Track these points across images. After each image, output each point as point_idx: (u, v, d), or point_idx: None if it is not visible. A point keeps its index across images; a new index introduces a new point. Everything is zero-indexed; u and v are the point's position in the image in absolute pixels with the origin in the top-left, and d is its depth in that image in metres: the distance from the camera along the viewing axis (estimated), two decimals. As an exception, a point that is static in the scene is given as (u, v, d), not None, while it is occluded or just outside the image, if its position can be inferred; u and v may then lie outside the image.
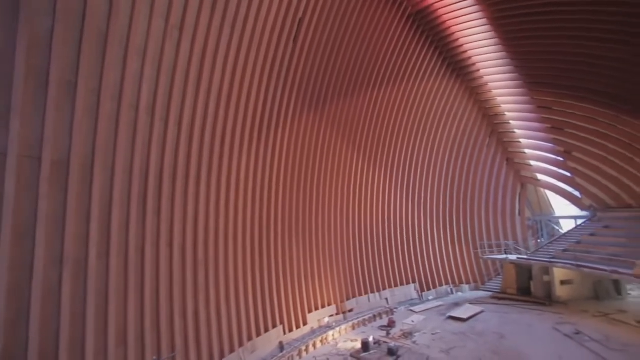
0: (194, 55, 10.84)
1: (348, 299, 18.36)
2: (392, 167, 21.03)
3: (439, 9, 18.35)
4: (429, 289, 21.44)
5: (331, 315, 17.24)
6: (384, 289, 19.94)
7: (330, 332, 15.66)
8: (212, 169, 12.26)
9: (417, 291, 21.14)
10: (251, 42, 12.98)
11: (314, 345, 14.59)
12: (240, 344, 12.78)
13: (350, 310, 18.15)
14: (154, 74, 9.70)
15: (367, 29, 17.50)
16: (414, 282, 21.11)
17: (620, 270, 14.10)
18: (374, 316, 17.74)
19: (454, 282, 22.28)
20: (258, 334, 13.72)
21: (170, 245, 10.51)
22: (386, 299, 19.82)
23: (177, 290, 10.53)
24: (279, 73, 14.66)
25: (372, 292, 19.46)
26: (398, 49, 18.91)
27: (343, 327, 16.32)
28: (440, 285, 21.94)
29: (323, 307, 17.15)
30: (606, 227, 18.85)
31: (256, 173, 14.47)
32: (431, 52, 19.85)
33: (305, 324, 16.00)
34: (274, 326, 14.58)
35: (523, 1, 14.79)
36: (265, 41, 13.65)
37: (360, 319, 17.21)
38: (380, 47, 18.36)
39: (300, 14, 14.75)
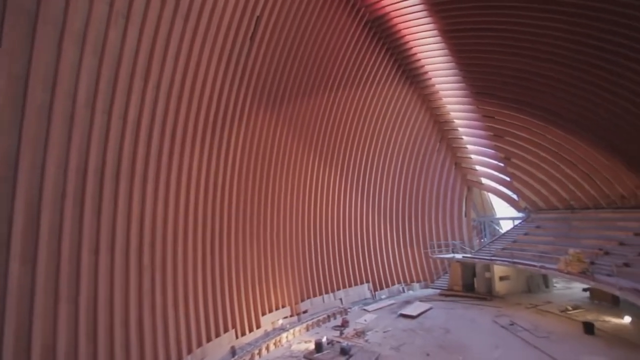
0: (142, 46, 10.19)
1: (302, 300, 18.32)
2: (347, 169, 21.39)
3: (395, 17, 19.03)
4: (382, 288, 22.06)
5: (285, 317, 17.08)
6: (339, 289, 20.18)
7: (284, 334, 15.51)
8: (160, 167, 11.59)
9: (371, 291, 21.67)
10: (206, 35, 12.50)
11: (267, 349, 14.36)
12: (189, 351, 12.20)
13: (305, 312, 18.12)
14: (95, 63, 8.96)
15: (326, 32, 17.65)
16: (367, 282, 21.61)
17: (547, 265, 15.58)
18: (328, 316, 17.87)
19: (405, 281, 23.14)
20: (208, 340, 13.20)
21: (112, 250, 9.75)
22: (340, 299, 20.07)
23: (118, 298, 9.78)
24: (234, 70, 14.27)
25: (327, 292, 19.60)
26: (355, 53, 19.30)
27: (297, 328, 16.24)
28: (393, 284, 22.68)
29: (277, 309, 16.94)
30: (538, 227, 20.71)
31: (209, 172, 13.94)
32: (387, 58, 20.50)
33: (258, 326, 15.69)
34: (226, 330, 14.11)
35: (471, 17, 15.79)
36: (221, 36, 13.22)
37: (315, 320, 17.24)
38: (337, 51, 18.61)
39: (258, 12, 14.49)
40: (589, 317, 14.46)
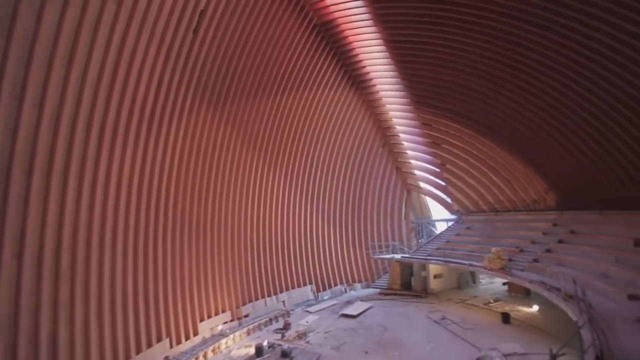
0: (65, 27, 9.18)
1: (244, 304, 17.86)
2: (292, 171, 21.37)
3: (342, 24, 19.49)
4: (324, 289, 22.32)
5: (225, 322, 16.50)
6: (282, 291, 20.02)
7: (224, 340, 14.96)
8: (85, 164, 10.54)
9: (314, 292, 21.82)
10: (143, 23, 11.68)
11: (205, 356, 13.74)
12: (115, 365, 11.22)
13: (246, 316, 17.68)
14: (1, 42, 7.86)
15: (273, 32, 17.49)
16: (310, 283, 21.73)
17: (475, 263, 17.02)
18: (270, 319, 17.62)
19: (347, 282, 23.68)
20: (138, 351, 12.25)
21: (19, 255, 8.59)
22: (283, 301, 19.92)
23: (25, 310, 8.62)
24: (175, 63, 13.52)
25: (269, 295, 19.34)
26: (302, 56, 19.39)
27: (237, 333, 15.77)
28: (336, 285, 23.08)
29: (217, 314, 16.30)
30: (468, 228, 22.53)
31: (143, 170, 13.00)
32: (333, 63, 20.90)
33: (196, 334, 14.96)
34: (159, 340, 13.23)
35: (411, 30, 16.73)
36: (161, 26, 12.45)
37: (256, 324, 16.90)
38: (285, 53, 18.54)
39: (202, 5, 13.89)
40: (507, 308, 16.03)
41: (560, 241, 15.71)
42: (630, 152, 12.88)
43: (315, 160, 22.43)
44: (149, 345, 12.75)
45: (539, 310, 15.21)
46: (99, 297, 10.96)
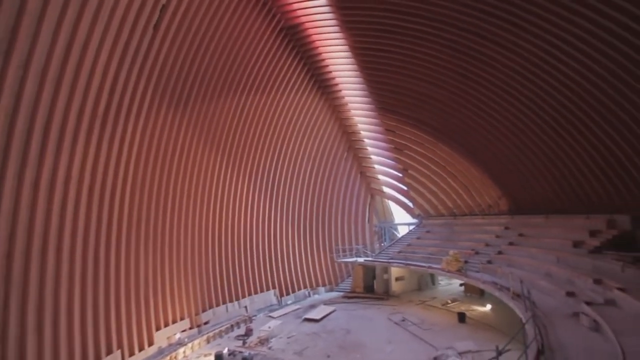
0: (3, 12, 8.45)
1: (204, 310, 17.27)
2: (256, 174, 21.07)
3: (310, 28, 19.61)
4: (288, 294, 22.12)
5: (183, 331, 15.85)
6: (244, 296, 19.60)
7: (181, 349, 14.37)
8: (27, 161, 9.74)
9: (277, 296, 21.57)
10: (98, 13, 11.00)
11: (160, 367, 13.10)
12: (58, 381, 10.37)
13: (206, 323, 17.10)
14: None
15: (240, 32, 17.22)
16: (274, 287, 21.47)
17: (434, 265, 17.67)
18: (232, 326, 17.17)
19: (311, 285, 23.65)
20: (85, 365, 11.42)
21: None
22: (246, 307, 19.49)
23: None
24: (133, 59, 12.89)
25: (231, 301, 18.86)
26: (269, 58, 19.25)
27: (196, 341, 15.20)
28: (299, 289, 22.96)
29: (174, 322, 15.63)
30: (428, 231, 23.36)
31: (95, 171, 12.24)
32: (300, 67, 20.92)
33: (151, 344, 14.23)
34: (109, 352, 12.43)
35: (376, 38, 17.16)
36: (118, 17, 11.81)
37: (217, 331, 16.39)
38: (251, 54, 18.32)
39: (163, 0, 13.39)
40: (463, 307, 16.75)
41: (510, 243, 16.70)
42: (570, 162, 13.99)
43: (280, 163, 22.27)
44: (98, 358, 11.93)
45: (492, 309, 16.04)
46: (38, 309, 10.09)
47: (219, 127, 18.24)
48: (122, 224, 13.54)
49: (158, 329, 14.78)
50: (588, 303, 8.39)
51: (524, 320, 7.77)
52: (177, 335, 15.38)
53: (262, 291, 20.78)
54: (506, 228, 18.54)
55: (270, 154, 21.61)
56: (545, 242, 14.91)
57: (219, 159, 18.59)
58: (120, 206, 13.43)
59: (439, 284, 22.79)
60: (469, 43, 13.79)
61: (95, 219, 12.35)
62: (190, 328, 16.23)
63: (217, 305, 18.04)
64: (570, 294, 9.77)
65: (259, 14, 17.73)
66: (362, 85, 21.21)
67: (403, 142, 22.33)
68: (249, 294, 20.00)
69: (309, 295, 23.05)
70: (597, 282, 9.57)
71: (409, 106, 19.66)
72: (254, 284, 20.40)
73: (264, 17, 18.02)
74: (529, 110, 13.99)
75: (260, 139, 20.71)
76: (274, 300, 21.31)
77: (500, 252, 16.44)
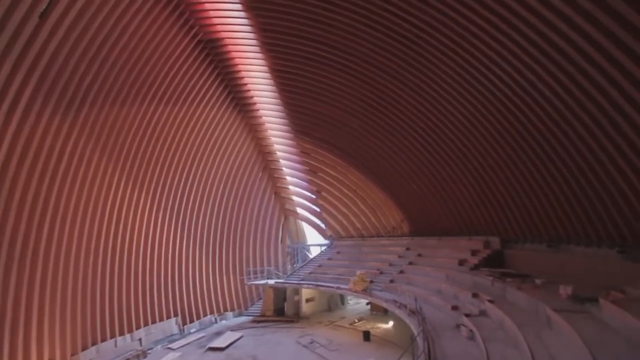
0: None
1: (85, 348, 14.79)
2: (162, 190, 19.41)
3: (230, 44, 19.35)
4: (192, 321, 20.39)
5: (54, 375, 13.25)
6: (138, 327, 17.41)
7: (48, 398, 11.93)
8: None
9: (179, 325, 19.69)
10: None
11: None
12: None
13: (87, 362, 14.62)
14: None
15: (152, 39, 16.05)
16: (175, 315, 19.58)
17: (342, 286, 18.25)
18: (119, 364, 15.00)
19: (218, 311, 22.23)
20: None
21: None
22: (140, 339, 17.30)
23: None
24: (8, 47, 10.95)
25: (122, 334, 16.57)
26: (184, 69, 18.29)
27: (70, 386, 12.82)
28: (205, 315, 21.38)
29: (41, 365, 12.97)
30: (338, 252, 24.18)
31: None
32: (217, 82, 20.31)
33: (4, 395, 11.50)
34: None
35: (293, 62, 17.75)
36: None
37: (99, 371, 14.11)
38: (164, 62, 17.18)
39: (56, -12, 11.85)
40: (368, 326, 17.51)
41: (410, 263, 18.26)
42: (457, 191, 16.11)
43: (189, 180, 20.89)
44: None
45: (394, 325, 17.09)
46: None
47: (120, 135, 16.46)
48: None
49: (17, 375, 12.08)
50: (467, 315, 9.54)
51: (415, 334, 8.44)
52: (45, 381, 12.78)
53: (161, 320, 18.75)
54: (407, 249, 20.24)
55: (179, 169, 20.18)
56: (438, 261, 16.69)
57: (117, 170, 16.65)
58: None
59: (348, 303, 23.53)
60: (377, 78, 15.20)
61: None
62: (64, 371, 13.67)
63: (104, 340, 15.64)
64: (454, 308, 10.99)
65: (175, 23, 16.87)
66: (280, 107, 21.53)
67: (317, 164, 23.10)
68: (145, 324, 17.85)
69: (216, 322, 21.60)
70: (475, 295, 11.00)
71: (323, 130, 20.56)
72: (152, 312, 18.31)
73: (180, 27, 17.20)
74: (426, 144, 15.83)
75: (168, 152, 19.24)
76: (175, 330, 19.38)
77: (401, 272, 17.80)
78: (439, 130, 14.69)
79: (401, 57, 13.54)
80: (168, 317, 19.14)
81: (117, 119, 16.04)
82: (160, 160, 18.95)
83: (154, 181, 18.88)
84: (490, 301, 9.62)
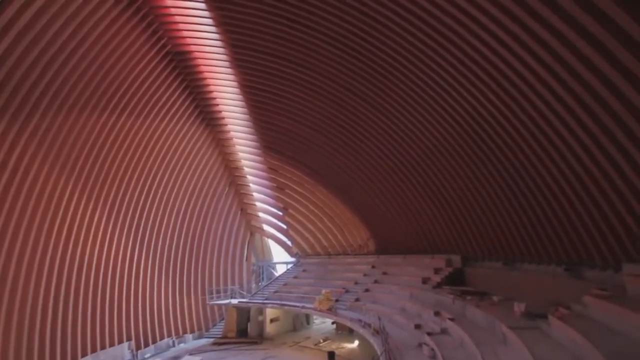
0: None
1: (18, 379, 13.31)
2: (121, 205, 18.39)
3: (199, 58, 19.12)
4: (147, 346, 19.13)
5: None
6: (85, 354, 16.02)
7: None
8: None
9: (132, 350, 18.36)
10: None
11: None
12: None
13: (21, 396, 13.15)
14: None
15: (116, 47, 15.41)
16: (128, 339, 18.26)
17: (307, 305, 17.96)
18: (61, 395, 13.63)
19: (177, 333, 21.05)
20: None
21: None
22: (86, 367, 15.90)
23: None
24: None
25: (65, 362, 15.13)
26: (150, 80, 17.74)
27: None
28: (162, 338, 20.16)
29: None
30: (304, 270, 23.89)
31: None
32: (184, 95, 19.84)
33: None
34: None
35: (263, 79, 17.83)
36: None
37: (36, 405, 12.72)
38: (128, 72, 16.54)
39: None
40: (333, 346, 17.23)
41: (376, 281, 18.36)
42: (420, 209, 16.58)
43: (150, 194, 19.97)
44: None
45: (359, 345, 16.93)
46: None
47: (75, 147, 15.58)
48: None
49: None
50: (429, 333, 9.67)
51: (378, 353, 8.40)
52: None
53: (112, 345, 17.41)
54: (373, 267, 20.37)
55: (141, 183, 19.28)
56: (402, 279, 16.91)
57: (70, 184, 15.66)
58: None
59: (314, 322, 23.14)
60: (345, 98, 15.58)
61: None
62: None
63: (41, 369, 14.19)
64: (417, 326, 11.12)
65: (143, 33, 16.40)
66: (248, 123, 21.39)
67: (285, 181, 23.01)
68: (93, 350, 16.48)
69: (173, 345, 20.41)
70: (437, 314, 11.20)
71: (292, 147, 20.62)
72: (102, 336, 16.96)
73: (148, 38, 16.75)
74: (392, 164, 16.25)
75: (128, 165, 18.36)
76: (128, 355, 18.08)
77: (367, 290, 17.84)
78: (404, 151, 15.18)
79: (367, 78, 14.01)
80: (120, 342, 17.78)
81: (73, 129, 15.17)
82: (120, 173, 18.03)
83: (112, 195, 17.87)
84: (451, 319, 9.83)
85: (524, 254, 12.11)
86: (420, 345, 9.41)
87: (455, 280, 14.55)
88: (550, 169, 9.49)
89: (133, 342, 18.46)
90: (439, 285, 14.34)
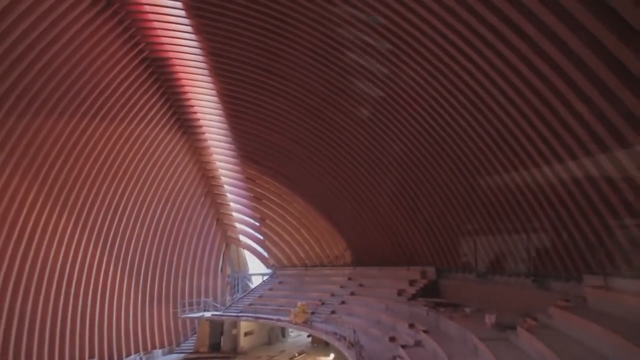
0: None
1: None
2: (88, 212, 17.61)
3: (177, 65, 18.82)
4: (111, 363, 18.10)
5: None
6: (42, 374, 14.97)
7: None
8: None
9: (95, 368, 17.34)
10: None
11: None
12: None
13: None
14: None
15: (89, 51, 14.95)
16: (91, 357, 17.25)
17: (282, 318, 17.63)
18: (12, 419, 12.62)
19: (145, 349, 20.10)
20: None
21: None
22: (43, 387, 14.85)
23: None
24: None
25: (19, 382, 14.09)
26: (125, 85, 17.26)
27: None
28: (128, 354, 19.20)
29: None
30: (280, 282, 23.53)
31: None
32: (161, 102, 19.39)
33: None
34: None
35: (244, 89, 17.74)
36: None
37: None
38: (102, 77, 16.03)
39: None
40: (309, 359, 16.95)
41: (352, 293, 18.28)
42: (396, 221, 16.78)
43: (122, 202, 19.22)
44: None
45: (335, 358, 16.73)
46: None
47: (43, 148, 15.00)
48: None
49: None
50: (403, 346, 9.68)
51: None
52: None
53: (72, 363, 16.36)
54: (349, 278, 20.29)
55: (112, 189, 18.55)
56: (378, 291, 16.93)
57: (34, 189, 14.88)
58: None
59: (290, 335, 22.70)
60: (321, 108, 15.72)
61: None
62: None
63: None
64: (392, 339, 11.12)
65: (119, 37, 16.01)
66: (226, 131, 21.15)
67: (262, 191, 22.80)
68: (51, 369, 15.42)
69: (141, 362, 19.42)
70: (411, 326, 11.24)
71: (269, 157, 20.51)
72: (61, 354, 15.92)
73: (124, 42, 16.36)
74: (367, 174, 16.44)
75: (99, 171, 17.67)
76: (89, 374, 17.02)
77: (343, 302, 17.72)
78: (379, 161, 15.41)
79: (341, 88, 14.24)
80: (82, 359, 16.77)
81: (39, 132, 14.50)
82: (90, 179, 17.32)
83: (80, 202, 17.10)
84: (425, 331, 9.89)
85: (495, 266, 12.44)
86: (394, 358, 9.40)
87: (430, 292, 14.70)
88: (520, 187, 9.86)
89: (97, 359, 17.45)
90: (414, 297, 14.44)
